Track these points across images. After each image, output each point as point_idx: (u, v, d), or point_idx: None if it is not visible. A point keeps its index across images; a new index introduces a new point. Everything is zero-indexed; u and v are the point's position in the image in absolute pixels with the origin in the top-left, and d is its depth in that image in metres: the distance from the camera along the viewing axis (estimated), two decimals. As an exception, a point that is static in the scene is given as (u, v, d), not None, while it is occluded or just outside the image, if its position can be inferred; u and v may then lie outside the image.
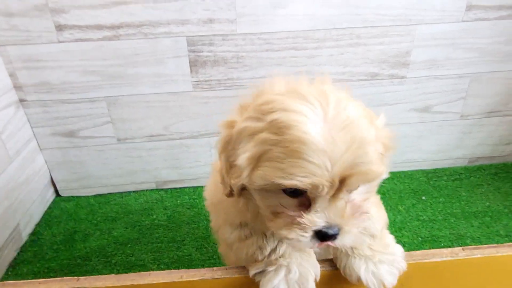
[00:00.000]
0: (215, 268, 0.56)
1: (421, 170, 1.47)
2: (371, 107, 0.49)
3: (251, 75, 1.21)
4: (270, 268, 0.55)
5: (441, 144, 1.43)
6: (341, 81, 1.25)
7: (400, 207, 1.27)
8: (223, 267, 0.56)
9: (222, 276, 0.55)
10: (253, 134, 0.45)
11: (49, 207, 1.33)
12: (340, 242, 0.46)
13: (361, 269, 0.55)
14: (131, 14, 1.08)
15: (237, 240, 0.57)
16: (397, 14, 1.16)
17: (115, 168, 1.35)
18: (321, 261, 0.58)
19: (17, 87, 1.15)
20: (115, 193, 1.40)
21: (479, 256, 0.56)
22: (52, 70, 1.14)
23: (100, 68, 1.15)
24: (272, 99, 0.46)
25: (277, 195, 0.46)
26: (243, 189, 0.50)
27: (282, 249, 0.56)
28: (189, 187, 1.42)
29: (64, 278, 0.54)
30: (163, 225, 1.24)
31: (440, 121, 1.38)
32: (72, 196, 1.39)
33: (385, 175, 0.47)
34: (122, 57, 1.14)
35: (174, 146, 1.33)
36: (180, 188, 1.42)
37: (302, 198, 0.46)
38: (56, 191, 1.39)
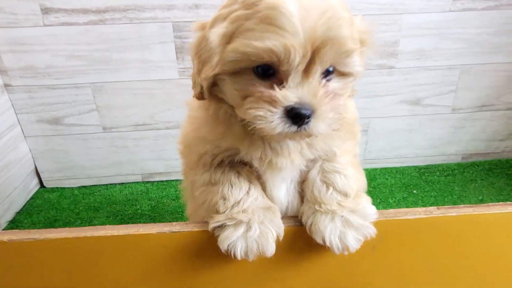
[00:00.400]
0: (174, 223, 0.53)
1: (413, 166, 1.43)
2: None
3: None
4: (230, 223, 0.51)
5: (433, 138, 1.40)
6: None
7: (390, 200, 1.23)
8: (182, 222, 0.54)
9: (181, 230, 0.52)
10: (226, 17, 0.45)
11: (32, 197, 1.30)
12: (313, 126, 0.43)
13: (326, 229, 0.52)
14: (117, -1, 1.09)
15: (205, 184, 0.55)
16: (384, 2, 1.16)
17: (100, 158, 1.33)
18: (286, 217, 0.55)
19: (2, 71, 1.15)
20: (100, 185, 1.37)
21: (454, 214, 0.53)
22: (37, 54, 1.14)
23: (85, 53, 1.15)
24: None
25: (249, 78, 0.46)
26: (214, 85, 0.49)
27: (246, 203, 0.53)
28: (176, 180, 1.39)
29: (15, 230, 0.52)
30: (146, 214, 1.21)
31: (431, 115, 1.35)
32: (56, 187, 1.36)
33: (361, 70, 0.46)
34: (107, 41, 1.14)
35: (159, 136, 1.31)
36: (166, 181, 1.39)
37: (274, 80, 0.45)
38: (41, 182, 1.36)
